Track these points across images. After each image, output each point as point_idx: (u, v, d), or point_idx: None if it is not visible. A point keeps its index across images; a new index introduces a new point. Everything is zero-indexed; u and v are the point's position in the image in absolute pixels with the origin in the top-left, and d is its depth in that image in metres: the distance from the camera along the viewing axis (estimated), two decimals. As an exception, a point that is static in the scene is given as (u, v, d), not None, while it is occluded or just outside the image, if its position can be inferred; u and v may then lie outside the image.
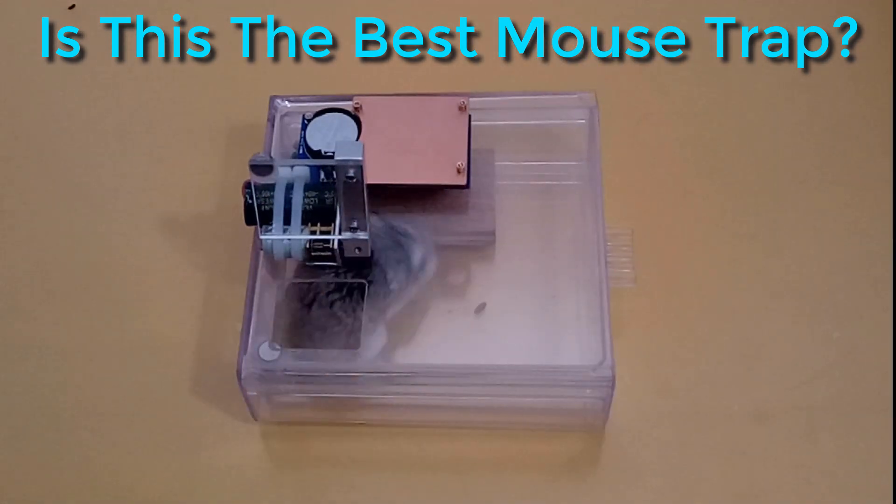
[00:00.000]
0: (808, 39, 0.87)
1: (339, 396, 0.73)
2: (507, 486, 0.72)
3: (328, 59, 0.87)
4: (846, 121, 0.84)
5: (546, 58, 0.87)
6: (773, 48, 0.87)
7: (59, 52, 0.89)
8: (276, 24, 0.89)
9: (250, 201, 0.71)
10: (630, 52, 0.87)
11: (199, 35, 0.89)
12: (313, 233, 0.71)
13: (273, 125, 0.77)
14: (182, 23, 0.90)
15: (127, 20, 0.90)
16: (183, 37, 0.89)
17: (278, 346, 0.70)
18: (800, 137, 0.83)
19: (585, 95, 0.77)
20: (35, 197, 0.82)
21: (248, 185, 0.72)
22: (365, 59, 0.87)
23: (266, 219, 0.71)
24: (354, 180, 0.68)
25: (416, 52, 0.87)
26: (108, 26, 0.90)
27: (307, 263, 0.72)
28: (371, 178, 0.72)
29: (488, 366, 0.71)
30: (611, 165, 0.76)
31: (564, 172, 0.78)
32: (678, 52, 0.87)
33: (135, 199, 0.82)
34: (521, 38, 0.88)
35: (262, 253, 0.72)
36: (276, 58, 0.88)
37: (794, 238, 0.79)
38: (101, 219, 0.81)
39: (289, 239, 0.71)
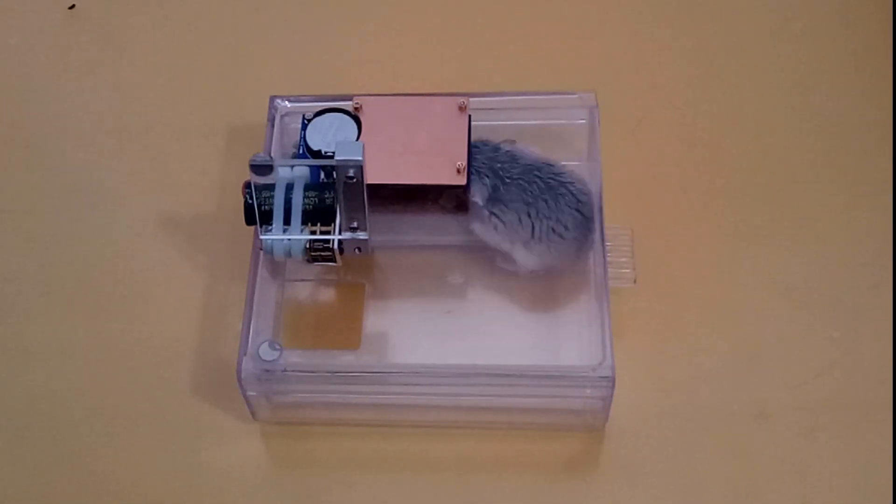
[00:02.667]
0: (809, 39, 0.87)
1: (339, 396, 0.73)
2: (507, 486, 0.72)
3: (328, 59, 0.87)
4: (846, 121, 0.84)
5: (546, 58, 0.87)
6: (773, 48, 0.87)
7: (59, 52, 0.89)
8: (277, 25, 0.90)
9: (250, 201, 0.71)
10: (630, 52, 0.87)
11: (199, 35, 0.89)
12: (313, 233, 0.71)
13: (273, 125, 0.77)
14: (182, 22, 0.90)
15: (126, 20, 0.90)
16: (183, 37, 0.89)
17: (278, 346, 0.70)
18: (800, 137, 0.83)
19: (585, 95, 0.77)
20: (35, 197, 0.82)
21: (248, 185, 0.72)
22: (365, 59, 0.87)
23: (266, 219, 0.71)
24: (354, 180, 0.68)
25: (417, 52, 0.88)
26: (108, 26, 0.90)
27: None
28: (371, 178, 0.72)
29: (488, 366, 0.71)
30: (611, 165, 0.76)
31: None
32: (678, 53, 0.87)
33: (135, 199, 0.82)
34: (522, 38, 0.88)
35: (262, 253, 0.72)
36: (276, 58, 0.88)
37: (794, 238, 0.79)
38: (100, 219, 0.81)
39: (289, 239, 0.71)
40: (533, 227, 0.72)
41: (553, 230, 0.72)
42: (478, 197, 0.72)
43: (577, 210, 0.72)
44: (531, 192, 0.72)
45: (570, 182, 0.73)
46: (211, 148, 0.83)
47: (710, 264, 0.78)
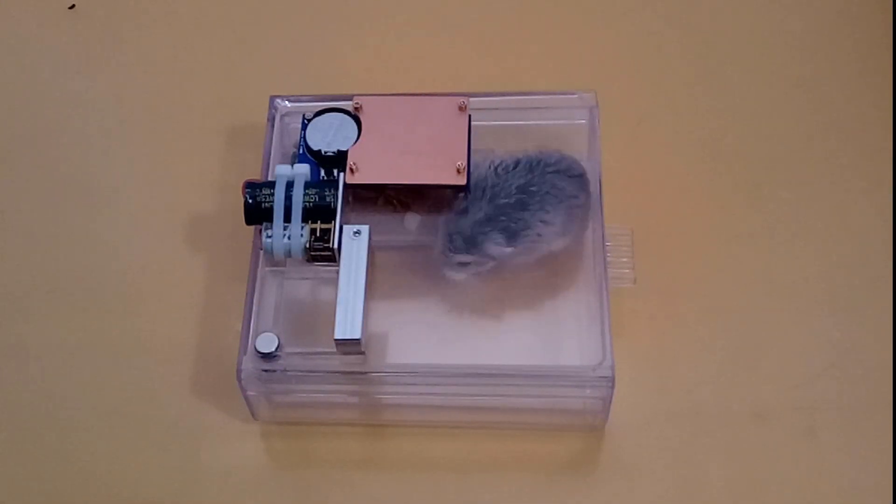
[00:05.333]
0: (809, 39, 0.87)
1: (339, 396, 0.73)
2: (507, 486, 0.72)
3: (328, 59, 0.87)
4: (846, 121, 0.84)
5: (546, 58, 0.87)
6: (773, 48, 0.87)
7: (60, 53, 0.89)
8: (277, 25, 0.90)
9: (250, 201, 0.71)
10: (630, 52, 0.87)
11: (199, 35, 0.89)
12: (313, 231, 0.71)
13: (273, 125, 0.77)
14: (182, 22, 0.90)
15: (126, 20, 0.90)
16: (183, 37, 0.89)
17: (276, 336, 0.70)
18: (800, 137, 0.83)
19: (585, 95, 0.77)
20: (35, 197, 0.82)
21: (247, 185, 0.72)
22: (365, 59, 0.87)
23: (266, 217, 0.71)
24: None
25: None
26: (108, 26, 0.90)
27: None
28: (371, 178, 0.73)
29: (488, 366, 0.71)
30: (611, 165, 0.76)
31: (564, 172, 0.78)
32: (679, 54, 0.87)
33: (135, 199, 0.82)
34: (522, 38, 0.88)
35: (262, 252, 0.72)
36: (276, 58, 0.88)
37: (794, 238, 0.79)
38: (101, 219, 0.81)
39: (289, 238, 0.71)
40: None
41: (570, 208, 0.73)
42: (494, 252, 0.72)
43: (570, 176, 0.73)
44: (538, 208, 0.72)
45: (556, 171, 0.73)
46: (211, 148, 0.83)
47: (710, 264, 0.78)
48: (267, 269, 0.73)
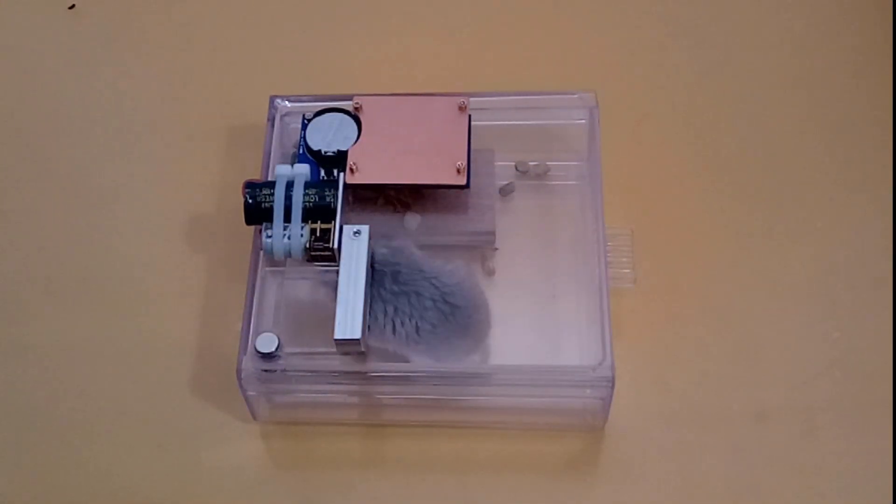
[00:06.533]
0: (809, 39, 0.87)
1: (339, 396, 0.73)
2: (507, 486, 0.72)
3: (328, 59, 0.87)
4: (846, 121, 0.84)
5: (546, 58, 0.87)
6: (773, 48, 0.87)
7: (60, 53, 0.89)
8: (277, 25, 0.90)
9: (250, 201, 0.71)
10: (630, 52, 0.87)
11: (199, 35, 0.89)
12: (313, 231, 0.71)
13: (273, 125, 0.77)
14: (182, 22, 0.90)
15: (126, 20, 0.90)
16: (183, 37, 0.89)
17: (276, 336, 0.70)
18: (800, 137, 0.83)
19: (585, 95, 0.77)
20: (35, 197, 0.82)
21: (247, 185, 0.72)
22: (365, 59, 0.87)
23: (266, 217, 0.71)
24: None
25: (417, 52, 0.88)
26: (108, 26, 0.90)
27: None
28: (371, 178, 0.73)
29: (488, 366, 0.71)
30: (611, 165, 0.76)
31: (564, 172, 0.78)
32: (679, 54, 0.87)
33: (135, 199, 0.82)
34: (522, 38, 0.88)
35: (262, 252, 0.72)
36: (276, 58, 0.88)
37: (794, 238, 0.79)
38: (101, 219, 0.81)
39: (289, 238, 0.71)
40: (394, 327, 0.70)
41: (418, 328, 0.70)
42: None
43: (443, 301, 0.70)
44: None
45: (433, 276, 0.70)
46: (211, 148, 0.83)
47: (710, 264, 0.78)
48: (267, 269, 0.73)
